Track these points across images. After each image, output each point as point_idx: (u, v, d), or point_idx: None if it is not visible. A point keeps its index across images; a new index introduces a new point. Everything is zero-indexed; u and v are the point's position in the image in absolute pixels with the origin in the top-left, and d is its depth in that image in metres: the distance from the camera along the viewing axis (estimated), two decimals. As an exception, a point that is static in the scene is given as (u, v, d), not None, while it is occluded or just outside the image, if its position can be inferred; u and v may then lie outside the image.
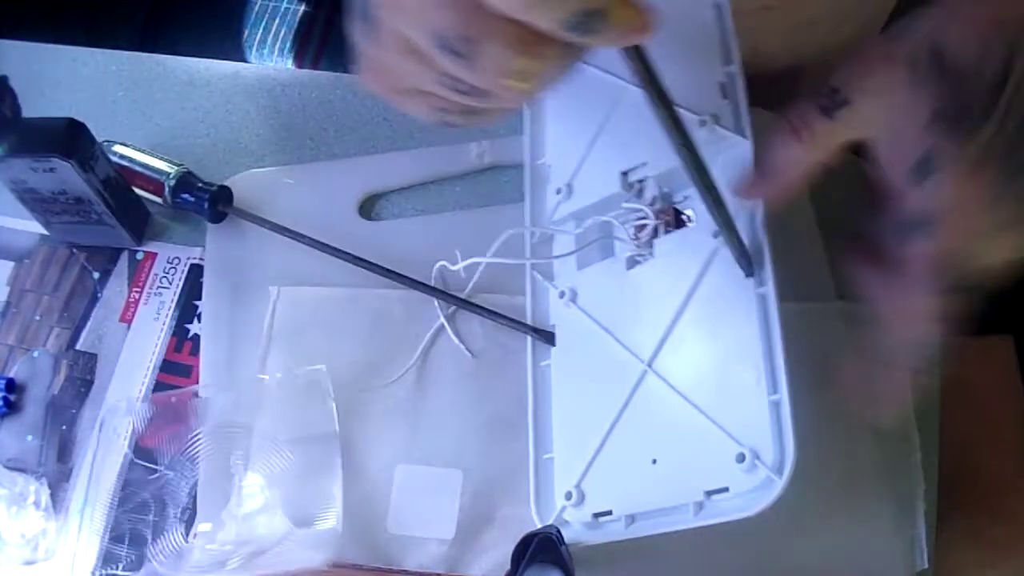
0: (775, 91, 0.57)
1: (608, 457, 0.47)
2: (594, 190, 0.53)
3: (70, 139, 0.52)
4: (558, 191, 0.55)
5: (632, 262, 0.51)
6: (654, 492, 0.45)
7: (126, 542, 0.52)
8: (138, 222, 0.60)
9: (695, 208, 0.50)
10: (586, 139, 0.55)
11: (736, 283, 0.46)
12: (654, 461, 0.46)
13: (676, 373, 0.47)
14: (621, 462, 0.47)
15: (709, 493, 0.43)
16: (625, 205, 0.52)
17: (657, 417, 0.46)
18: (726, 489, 0.43)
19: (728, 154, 0.50)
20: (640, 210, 0.51)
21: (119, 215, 0.57)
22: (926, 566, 0.53)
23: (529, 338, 0.53)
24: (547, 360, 0.53)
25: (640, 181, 0.52)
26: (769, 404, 0.43)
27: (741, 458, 0.43)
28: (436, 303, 0.56)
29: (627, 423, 0.47)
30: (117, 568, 0.51)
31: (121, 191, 0.57)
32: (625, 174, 0.52)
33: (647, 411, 0.47)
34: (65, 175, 0.53)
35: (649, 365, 0.47)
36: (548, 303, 0.54)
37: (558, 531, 0.45)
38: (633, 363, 0.48)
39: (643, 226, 0.51)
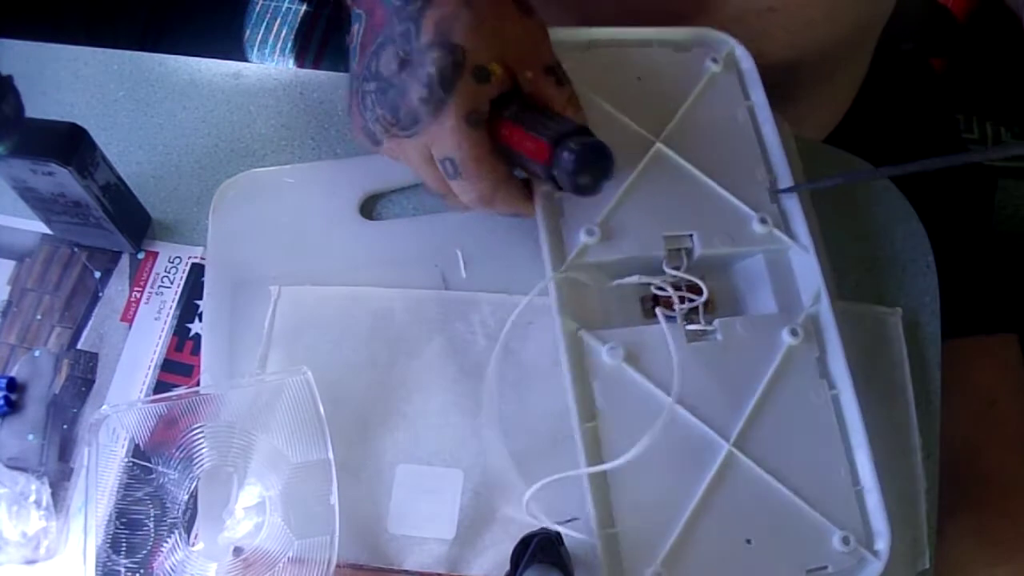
0: (777, 86, 0.57)
1: (695, 536, 0.46)
2: (634, 244, 0.52)
3: (70, 145, 0.52)
4: (590, 232, 0.51)
5: (693, 335, 0.50)
6: (749, 571, 0.46)
7: (127, 542, 0.52)
8: (137, 228, 0.60)
9: (737, 295, 0.54)
10: (613, 183, 0.52)
11: (811, 382, 0.50)
12: (749, 541, 0.47)
13: (761, 455, 0.48)
14: (711, 541, 0.47)
15: (809, 571, 0.46)
16: (673, 272, 0.52)
17: (748, 497, 0.47)
18: (825, 567, 0.47)
19: (784, 262, 0.54)
20: (681, 280, 0.52)
21: (117, 221, 0.57)
22: (927, 566, 0.53)
23: (571, 397, 0.48)
24: (592, 422, 0.48)
25: (677, 251, 0.52)
26: (855, 493, 0.48)
27: (845, 540, 0.47)
28: (436, 303, 0.56)
29: (714, 502, 0.47)
30: (117, 568, 0.51)
31: (121, 197, 0.57)
32: (667, 239, 0.52)
33: (736, 491, 0.47)
34: (63, 180, 0.53)
35: (733, 445, 0.48)
36: (584, 354, 0.49)
37: (557, 531, 0.45)
38: (713, 440, 0.48)
39: (683, 298, 0.51)
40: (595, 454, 0.48)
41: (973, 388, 0.69)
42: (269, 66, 0.70)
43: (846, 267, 0.59)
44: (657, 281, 0.52)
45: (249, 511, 0.51)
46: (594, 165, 0.46)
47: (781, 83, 0.58)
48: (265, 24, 0.91)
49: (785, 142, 0.60)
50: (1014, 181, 1.11)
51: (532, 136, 0.46)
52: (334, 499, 0.50)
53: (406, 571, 0.51)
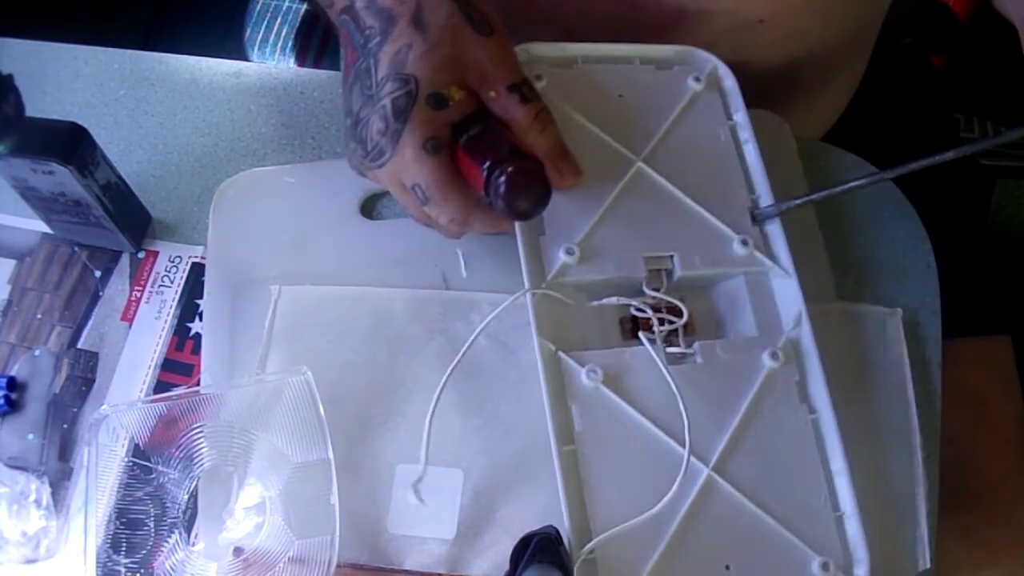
0: (772, 92, 0.57)
1: (674, 562, 0.46)
2: (614, 264, 0.51)
3: (70, 144, 0.52)
4: (569, 251, 0.51)
5: (673, 358, 0.50)
6: None
7: (127, 542, 0.52)
8: (138, 227, 0.60)
9: (717, 316, 0.54)
10: (594, 203, 0.52)
11: (791, 406, 0.50)
12: (727, 567, 0.46)
13: (740, 479, 0.48)
14: (690, 567, 0.46)
15: None
16: (652, 294, 0.52)
17: (727, 522, 0.47)
18: None
19: (765, 284, 0.53)
20: (661, 301, 0.51)
21: (117, 220, 0.57)
22: (928, 566, 0.53)
23: (549, 419, 0.48)
24: (571, 445, 0.48)
25: (657, 271, 0.52)
26: (835, 519, 0.48)
27: (825, 567, 0.47)
28: (436, 303, 0.56)
29: (693, 527, 0.47)
30: (118, 568, 0.51)
31: (121, 196, 0.57)
32: (647, 260, 0.51)
33: (716, 516, 0.47)
34: (63, 179, 0.53)
35: (713, 469, 0.48)
36: (563, 376, 0.49)
37: (557, 531, 0.45)
38: (693, 464, 0.47)
39: (662, 320, 0.51)
40: (573, 477, 0.47)
41: (964, 390, 0.68)
42: (270, 65, 0.70)
43: (846, 267, 0.59)
44: (636, 303, 0.51)
45: (249, 511, 0.51)
46: (525, 191, 0.45)
47: (775, 89, 0.58)
48: (266, 23, 0.92)
49: (785, 143, 0.60)
50: (1015, 181, 1.11)
51: (473, 162, 0.46)
52: (334, 499, 0.50)
53: (406, 571, 0.51)
